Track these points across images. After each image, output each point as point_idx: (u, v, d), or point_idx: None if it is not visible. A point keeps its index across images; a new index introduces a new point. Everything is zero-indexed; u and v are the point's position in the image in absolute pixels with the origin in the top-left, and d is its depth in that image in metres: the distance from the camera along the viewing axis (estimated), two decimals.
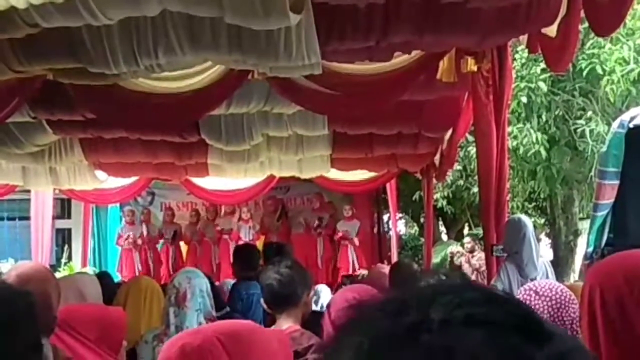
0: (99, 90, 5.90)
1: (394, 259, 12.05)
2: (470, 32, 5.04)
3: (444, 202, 13.90)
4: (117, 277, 11.01)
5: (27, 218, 12.20)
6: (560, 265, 12.06)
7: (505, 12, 4.79)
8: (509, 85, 6.11)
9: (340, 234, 13.42)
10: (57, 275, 5.71)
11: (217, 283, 6.34)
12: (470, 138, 9.22)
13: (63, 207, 14.65)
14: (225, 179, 11.21)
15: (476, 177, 8.08)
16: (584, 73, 9.66)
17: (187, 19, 4.67)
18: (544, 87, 10.02)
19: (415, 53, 5.81)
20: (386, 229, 15.05)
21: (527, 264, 5.13)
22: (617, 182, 4.69)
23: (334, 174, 11.04)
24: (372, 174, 11.53)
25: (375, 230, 14.44)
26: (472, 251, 12.63)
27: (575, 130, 10.26)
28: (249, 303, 5.36)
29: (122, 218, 14.02)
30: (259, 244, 11.06)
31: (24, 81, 5.73)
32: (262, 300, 3.43)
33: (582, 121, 10.12)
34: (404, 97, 6.52)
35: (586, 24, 5.46)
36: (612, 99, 9.67)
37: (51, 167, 9.65)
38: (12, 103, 5.96)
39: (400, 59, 5.88)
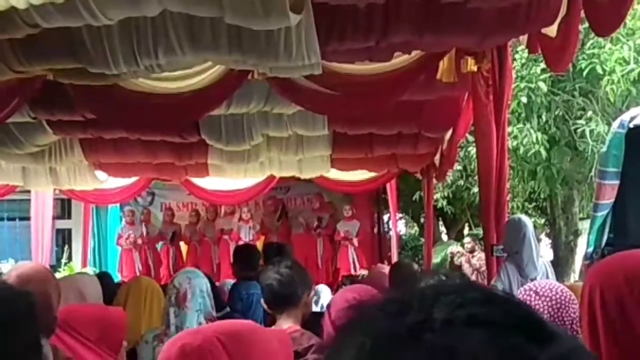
0: (99, 90, 5.90)
1: (394, 259, 12.06)
2: (470, 32, 5.04)
3: (444, 202, 13.90)
4: (117, 278, 11.01)
5: (27, 218, 12.20)
6: (560, 265, 12.06)
7: (505, 12, 4.79)
8: (509, 86, 6.11)
9: (340, 234, 13.42)
10: (57, 275, 5.71)
11: (217, 283, 6.34)
12: (471, 138, 9.22)
13: (63, 208, 14.65)
14: (225, 179, 11.21)
15: (476, 177, 8.08)
16: (584, 73, 9.67)
17: (187, 19, 4.67)
18: (544, 87, 10.02)
19: (415, 53, 5.81)
20: (386, 229, 15.05)
21: (527, 264, 5.13)
22: (617, 182, 4.69)
23: (334, 174, 11.04)
24: (372, 174, 11.53)
25: (376, 230, 14.44)
26: (472, 251, 12.63)
27: (575, 130, 10.26)
28: (249, 303, 5.36)
29: (122, 218, 14.02)
30: (259, 244, 11.06)
31: (24, 81, 5.73)
32: (262, 301, 3.43)
33: (582, 121, 10.12)
34: (404, 97, 6.52)
35: (586, 24, 5.45)
36: (612, 99, 9.67)
37: (51, 167, 9.65)
38: (12, 103, 5.96)
39: (400, 59, 5.88)
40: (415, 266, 6.39)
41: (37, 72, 5.56)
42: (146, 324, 4.15)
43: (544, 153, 10.24)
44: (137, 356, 3.68)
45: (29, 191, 11.37)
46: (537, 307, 2.49)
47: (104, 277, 5.35)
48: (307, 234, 13.69)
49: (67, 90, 6.12)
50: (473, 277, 11.50)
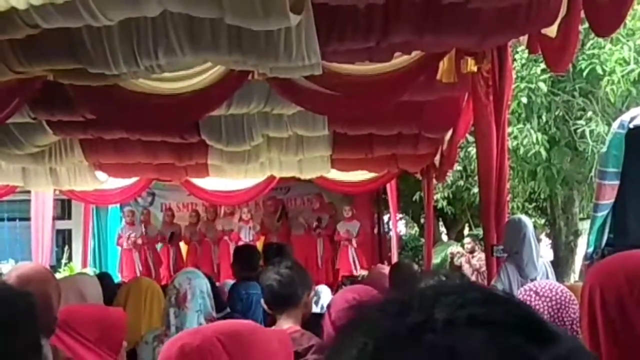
0: (99, 90, 5.90)
1: (394, 259, 12.06)
2: (471, 33, 5.04)
3: (444, 203, 13.90)
4: (118, 278, 11.01)
5: (28, 219, 12.20)
6: (560, 265, 12.06)
7: (505, 12, 4.79)
8: (509, 86, 6.11)
9: (340, 235, 13.42)
10: (58, 276, 5.71)
11: (217, 284, 6.34)
12: (471, 138, 9.22)
13: (63, 208, 14.66)
14: (226, 179, 11.22)
15: (476, 178, 8.08)
16: (584, 73, 9.67)
17: (187, 20, 4.67)
18: (544, 87, 10.02)
19: (415, 53, 5.81)
20: (386, 230, 15.05)
21: (527, 265, 5.13)
22: (617, 182, 4.69)
23: (334, 175, 11.05)
24: (373, 175, 11.53)
25: (376, 230, 14.44)
26: (472, 252, 12.63)
27: (575, 130, 10.26)
28: (248, 303, 5.36)
29: (122, 219, 14.02)
30: (259, 245, 11.06)
31: (24, 82, 5.73)
32: (262, 301, 3.43)
33: (582, 121, 10.12)
34: (404, 98, 6.52)
35: (586, 25, 5.46)
36: (612, 100, 9.68)
37: (51, 167, 9.65)
38: (12, 104, 5.95)
39: (400, 60, 5.88)
40: (415, 266, 6.39)
41: (37, 73, 5.56)
42: (146, 324, 4.15)
43: (544, 153, 10.24)
44: (137, 357, 3.68)
45: (29, 192, 11.37)
46: (537, 307, 2.49)
47: (104, 278, 5.35)
48: (307, 234, 13.70)
49: (67, 90, 6.12)
50: (473, 278, 11.50)
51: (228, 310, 5.07)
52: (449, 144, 8.37)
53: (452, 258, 13.37)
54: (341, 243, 13.42)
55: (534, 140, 10.07)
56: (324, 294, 6.46)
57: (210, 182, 11.92)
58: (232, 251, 8.89)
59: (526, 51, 7.32)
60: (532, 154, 10.20)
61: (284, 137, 8.45)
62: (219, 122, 7.74)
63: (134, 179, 11.74)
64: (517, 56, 9.61)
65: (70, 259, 13.77)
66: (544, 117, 10.35)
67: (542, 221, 14.96)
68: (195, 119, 7.41)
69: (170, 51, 4.91)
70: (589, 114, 10.11)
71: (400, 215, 16.37)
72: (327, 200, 13.84)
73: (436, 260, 13.34)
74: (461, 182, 13.01)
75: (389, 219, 14.52)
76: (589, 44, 9.48)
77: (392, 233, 13.95)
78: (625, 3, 4.17)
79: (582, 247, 9.04)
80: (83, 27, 4.64)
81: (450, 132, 8.08)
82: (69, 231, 14.81)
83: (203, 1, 4.20)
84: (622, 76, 9.30)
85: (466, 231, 16.14)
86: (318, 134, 8.30)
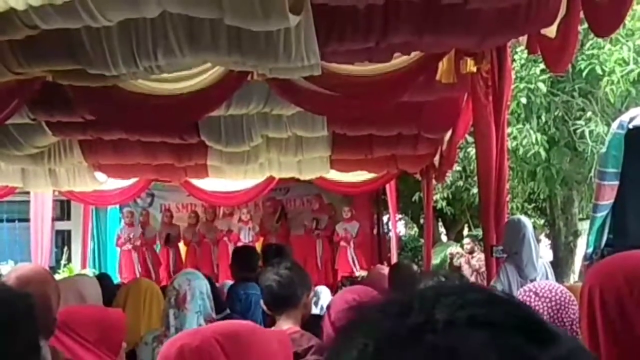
0: (98, 91, 5.90)
1: (394, 260, 12.06)
2: (470, 33, 5.04)
3: (444, 203, 13.90)
4: (117, 279, 11.01)
5: (27, 220, 12.20)
6: (560, 266, 12.07)
7: (504, 13, 4.79)
8: (509, 86, 6.11)
9: (339, 235, 13.42)
10: (57, 276, 5.71)
11: (217, 284, 6.34)
12: (470, 139, 9.23)
13: (62, 209, 14.65)
14: (225, 180, 11.21)
15: (476, 178, 8.09)
16: (584, 74, 9.67)
17: (186, 21, 4.67)
18: (543, 87, 10.02)
19: (415, 54, 5.81)
20: (386, 230, 15.05)
21: (527, 265, 5.13)
22: (616, 182, 4.68)
23: (334, 175, 11.04)
24: (372, 175, 11.53)
25: (375, 231, 14.43)
26: (471, 252, 12.64)
27: (574, 131, 10.26)
28: (247, 303, 5.35)
29: (121, 219, 14.02)
30: (258, 246, 11.06)
31: (23, 83, 5.73)
32: (261, 302, 3.43)
33: (581, 122, 10.13)
34: (404, 98, 6.52)
35: (586, 25, 5.46)
36: (611, 100, 9.68)
37: (50, 168, 9.64)
38: (11, 104, 5.95)
39: (399, 60, 5.88)
40: (415, 267, 6.40)
41: (37, 74, 5.56)
42: (145, 325, 4.15)
43: (543, 154, 10.25)
44: (137, 357, 3.68)
45: (28, 192, 11.36)
46: (537, 308, 2.49)
47: (103, 279, 5.34)
48: (306, 235, 13.69)
49: (66, 91, 6.12)
50: (472, 278, 11.52)
51: (228, 311, 5.06)
52: (449, 145, 8.38)
53: (451, 258, 13.39)
54: (340, 244, 13.42)
55: (534, 141, 10.08)
56: (324, 294, 6.45)
57: (210, 183, 11.92)
58: (231, 252, 8.88)
59: (525, 51, 7.32)
60: (531, 154, 10.20)
61: (283, 137, 8.45)
62: (218, 122, 7.74)
63: (133, 180, 11.74)
64: (516, 56, 9.61)
65: (69, 260, 13.77)
66: (543, 118, 10.36)
67: (542, 222, 14.98)
68: (195, 119, 7.41)
69: (169, 52, 4.90)
70: (589, 114, 10.12)
71: (400, 216, 16.38)
72: (327, 201, 13.83)
73: (435, 260, 13.34)
74: (460, 183, 13.02)
75: (389, 219, 14.52)
76: (588, 44, 9.48)
77: (391, 233, 13.95)
78: (625, 3, 4.17)
79: (582, 247, 9.05)
80: (82, 28, 4.64)
81: (449, 133, 8.08)
82: (68, 232, 14.81)
83: (202, 2, 4.20)
84: (622, 76, 9.30)
85: (465, 232, 16.15)
86: (317, 135, 8.30)
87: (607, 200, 4.73)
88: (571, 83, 10.30)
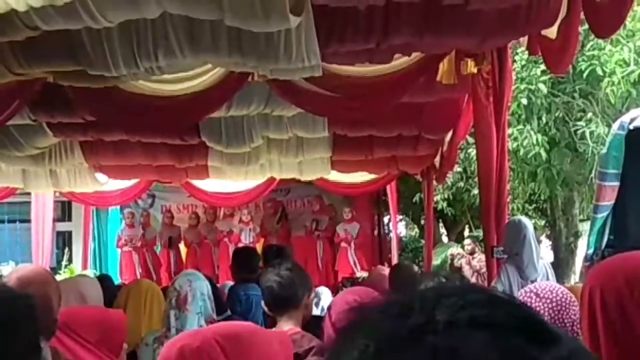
0: (99, 92, 5.90)
1: (395, 261, 12.06)
2: (471, 34, 5.04)
3: (445, 204, 13.90)
4: (118, 280, 11.01)
5: (28, 221, 12.20)
6: (560, 267, 12.07)
7: (505, 13, 4.79)
8: (509, 87, 6.11)
9: (340, 236, 13.42)
10: (58, 277, 5.71)
11: (218, 285, 6.33)
12: (471, 140, 9.23)
13: (63, 210, 14.66)
14: (226, 181, 11.21)
15: (476, 179, 8.08)
16: (584, 75, 9.68)
17: (187, 22, 4.67)
18: (544, 88, 10.03)
19: (415, 55, 5.81)
20: (386, 231, 15.05)
21: (528, 266, 5.13)
22: (617, 183, 4.68)
23: (334, 176, 11.04)
24: (373, 176, 11.53)
25: (376, 232, 14.43)
26: (472, 253, 12.63)
27: (575, 131, 10.27)
28: (248, 304, 5.35)
29: (122, 220, 14.02)
30: (259, 247, 11.06)
31: (24, 84, 5.73)
32: (262, 303, 3.43)
33: (582, 123, 10.13)
34: (404, 99, 6.52)
35: (586, 26, 5.46)
36: (612, 101, 9.69)
37: (51, 169, 9.64)
38: (12, 105, 5.95)
39: (400, 61, 5.88)
40: (416, 268, 6.40)
41: (37, 75, 5.56)
42: (146, 326, 4.15)
43: (544, 154, 10.25)
44: (137, 358, 3.68)
45: (29, 194, 11.37)
46: (538, 308, 2.49)
47: (104, 280, 5.35)
48: (307, 236, 13.69)
49: (67, 92, 6.12)
50: (473, 279, 11.52)
51: (229, 313, 5.06)
52: (449, 146, 8.38)
53: (452, 259, 13.38)
54: (341, 245, 13.42)
55: (534, 142, 10.09)
56: (325, 295, 6.45)
57: (211, 184, 11.92)
58: (231, 253, 8.88)
59: (526, 52, 7.32)
60: (532, 155, 10.21)
61: (284, 138, 8.45)
62: (219, 123, 7.74)
63: (134, 181, 11.74)
64: (517, 57, 9.62)
65: (70, 260, 13.77)
66: (544, 119, 10.36)
67: (542, 222, 14.97)
68: (195, 120, 7.41)
69: (170, 53, 4.91)
70: (589, 115, 10.12)
71: (401, 217, 16.38)
72: (327, 202, 13.83)
73: (436, 261, 13.34)
74: (461, 184, 13.02)
75: (389, 220, 14.52)
76: (589, 45, 9.49)
77: (392, 234, 13.95)
78: (625, 4, 4.17)
79: (582, 248, 9.05)
80: (83, 29, 4.64)
81: (450, 134, 8.08)
82: (69, 233, 14.82)
83: (203, 3, 4.20)
84: (622, 77, 9.31)
85: (466, 232, 16.15)
86: (318, 136, 8.30)
87: (608, 201, 4.73)
88: (572, 84, 10.31)
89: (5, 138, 7.63)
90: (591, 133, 9.89)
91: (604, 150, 4.92)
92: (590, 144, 9.88)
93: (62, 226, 14.49)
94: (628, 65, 9.33)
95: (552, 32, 4.93)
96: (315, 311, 5.05)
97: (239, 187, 12.29)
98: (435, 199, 12.28)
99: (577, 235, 12.68)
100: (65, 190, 10.96)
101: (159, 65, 5.09)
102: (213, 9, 4.19)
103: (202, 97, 6.26)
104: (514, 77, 8.02)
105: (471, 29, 4.94)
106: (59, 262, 13.55)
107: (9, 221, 14.15)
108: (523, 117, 10.27)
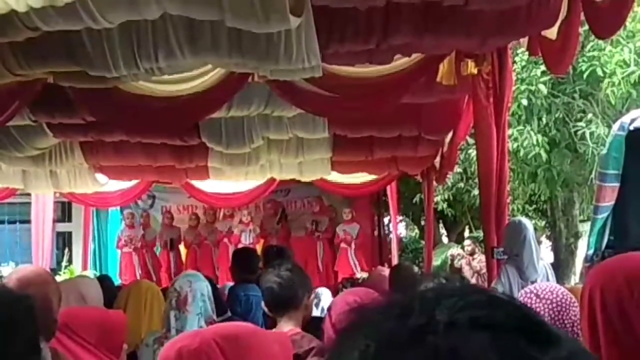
0: (99, 93, 5.90)
1: (395, 261, 12.05)
2: (471, 35, 5.04)
3: (445, 205, 13.90)
4: (118, 281, 11.00)
5: (28, 221, 12.21)
6: (560, 267, 12.07)
7: (505, 14, 4.79)
8: (509, 88, 6.11)
9: (340, 237, 13.41)
10: (58, 278, 5.70)
11: (218, 286, 6.33)
12: (471, 140, 9.23)
13: (63, 211, 14.66)
14: (226, 182, 11.21)
15: (476, 180, 8.07)
16: (585, 75, 9.68)
17: (187, 22, 4.67)
18: (544, 89, 10.03)
19: (416, 56, 5.81)
20: (387, 232, 15.05)
21: (528, 267, 5.13)
22: (617, 184, 4.68)
23: (334, 177, 11.04)
24: (373, 177, 11.53)
25: (376, 233, 14.43)
26: (472, 254, 12.63)
27: (575, 132, 10.27)
28: (248, 305, 5.35)
29: (122, 221, 14.02)
30: (259, 248, 11.05)
31: (24, 84, 5.73)
32: (262, 304, 3.43)
33: (582, 123, 10.13)
34: (404, 100, 6.52)
35: (586, 27, 5.46)
36: (612, 102, 9.69)
37: (52, 170, 9.64)
38: (12, 106, 5.95)
39: (400, 62, 5.88)
40: (416, 269, 6.39)
41: (38, 75, 5.56)
42: (146, 327, 4.15)
43: (544, 155, 10.25)
44: (137, 359, 3.68)
45: (29, 194, 11.37)
46: (538, 309, 2.49)
47: (104, 280, 5.34)
48: (307, 236, 13.69)
49: (67, 93, 6.12)
50: (473, 280, 11.52)
51: (229, 313, 5.06)
52: (449, 146, 8.38)
53: (452, 260, 13.38)
54: (341, 245, 13.42)
55: (534, 142, 10.09)
56: (325, 296, 6.45)
57: (211, 185, 11.92)
58: (231, 254, 8.88)
59: (526, 53, 7.33)
60: (532, 156, 10.21)
61: (284, 139, 8.45)
62: (219, 124, 7.74)
63: (134, 182, 11.74)
64: (517, 58, 9.62)
65: (70, 261, 13.77)
66: (544, 119, 10.36)
67: (543, 223, 14.97)
68: (196, 121, 7.41)
69: (170, 53, 4.91)
70: (589, 116, 10.12)
71: (401, 218, 16.38)
72: (327, 202, 13.83)
73: (436, 262, 13.34)
74: (461, 184, 13.02)
75: (389, 221, 14.52)
76: (589, 46, 9.49)
77: (392, 235, 13.95)
78: (625, 5, 4.18)
79: (583, 249, 9.06)
80: (83, 29, 4.64)
81: (450, 134, 8.08)
82: (69, 234, 14.82)
83: (203, 3, 4.20)
84: (623, 78, 9.31)
85: (466, 233, 16.15)
86: (318, 136, 8.30)
87: (608, 201, 4.73)
88: (572, 85, 10.31)
89: (6, 139, 7.63)
90: (591, 134, 9.89)
91: (604, 151, 4.92)
92: (591, 144, 9.88)
93: (62, 227, 14.49)
94: (628, 66, 9.33)
95: (552, 32, 4.93)
96: (316, 312, 5.06)
97: (239, 187, 12.29)
98: (435, 199, 12.27)
99: (577, 236, 12.68)
100: (65, 191, 10.96)
101: (159, 65, 5.09)
102: (213, 9, 4.19)
103: (202, 98, 6.26)
104: (514, 78, 8.02)
105: (471, 29, 4.94)
106: (59, 262, 13.55)
107: (9, 222, 14.16)
108: (523, 117, 10.27)
